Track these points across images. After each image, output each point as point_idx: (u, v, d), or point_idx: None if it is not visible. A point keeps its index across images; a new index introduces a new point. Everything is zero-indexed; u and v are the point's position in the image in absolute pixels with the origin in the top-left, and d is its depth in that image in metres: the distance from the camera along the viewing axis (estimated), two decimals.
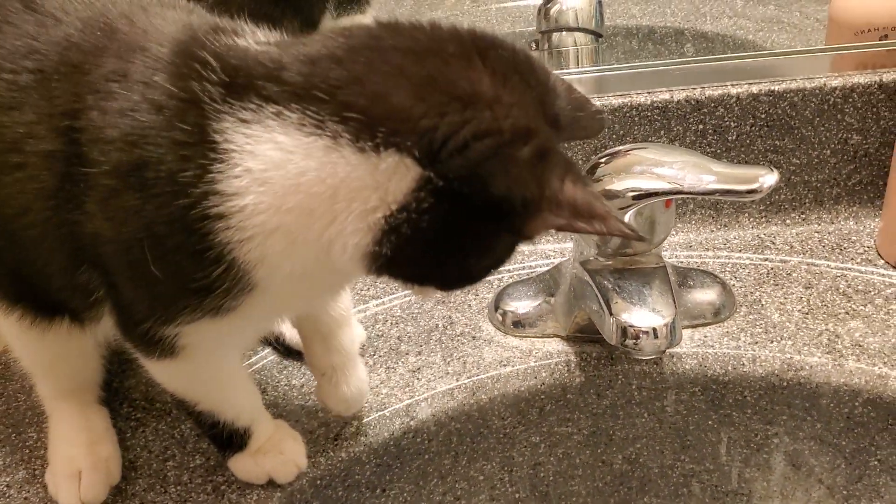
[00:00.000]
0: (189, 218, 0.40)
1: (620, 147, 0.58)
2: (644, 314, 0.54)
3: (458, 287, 0.46)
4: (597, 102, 0.71)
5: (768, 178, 0.48)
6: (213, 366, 0.52)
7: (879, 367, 0.62)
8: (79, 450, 0.58)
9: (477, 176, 0.37)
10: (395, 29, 0.40)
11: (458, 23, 0.41)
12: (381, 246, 0.39)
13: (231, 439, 0.57)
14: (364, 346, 0.68)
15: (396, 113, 0.37)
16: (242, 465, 0.58)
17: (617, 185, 0.55)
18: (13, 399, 0.67)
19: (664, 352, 0.55)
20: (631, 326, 0.54)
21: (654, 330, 0.54)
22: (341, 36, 0.40)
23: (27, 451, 0.63)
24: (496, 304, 0.70)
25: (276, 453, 0.58)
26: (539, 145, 0.38)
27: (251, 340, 0.59)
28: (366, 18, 0.75)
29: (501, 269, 0.44)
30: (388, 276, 0.42)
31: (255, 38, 0.43)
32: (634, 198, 0.54)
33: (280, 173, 0.38)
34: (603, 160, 0.58)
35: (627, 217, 0.56)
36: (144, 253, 0.41)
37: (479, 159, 0.37)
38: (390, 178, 0.37)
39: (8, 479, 0.60)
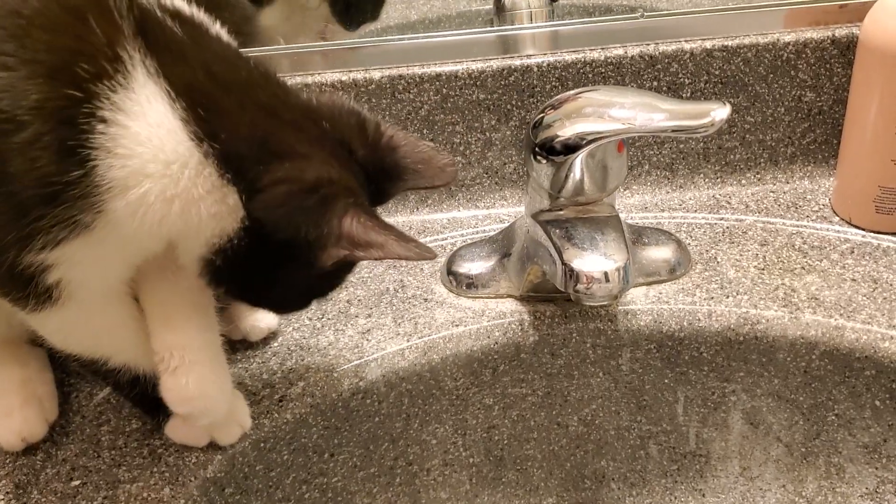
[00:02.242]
0: (70, 106, 0.40)
1: (570, 92, 0.56)
2: (596, 259, 0.53)
3: (284, 311, 0.55)
4: (550, 59, 0.70)
5: (720, 112, 0.47)
6: (100, 311, 0.50)
7: (836, 319, 0.61)
8: (11, 388, 0.56)
9: (268, 216, 0.44)
10: (263, 78, 0.47)
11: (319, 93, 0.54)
12: (214, 257, 0.45)
13: (158, 399, 0.54)
14: (275, 333, 0.64)
15: (240, 159, 0.44)
16: (180, 427, 0.55)
17: (568, 130, 0.53)
18: None
19: (616, 297, 0.53)
20: (582, 272, 0.52)
21: (606, 274, 0.52)
22: (228, 62, 0.46)
23: None
24: (448, 267, 0.68)
25: None
26: (326, 194, 0.45)
27: (118, 283, 0.52)
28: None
29: (330, 293, 0.51)
30: (222, 291, 0.49)
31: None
32: (586, 141, 0.52)
33: (170, 143, 0.42)
34: (552, 105, 0.56)
35: (578, 161, 0.54)
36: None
37: (271, 201, 0.44)
38: (230, 206, 0.44)
39: None
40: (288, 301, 0.51)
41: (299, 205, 0.44)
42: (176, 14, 0.46)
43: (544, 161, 0.55)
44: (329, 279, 0.50)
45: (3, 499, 0.53)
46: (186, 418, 0.53)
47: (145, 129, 0.41)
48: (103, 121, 0.40)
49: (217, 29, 0.48)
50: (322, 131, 0.47)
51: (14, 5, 0.41)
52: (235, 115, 0.44)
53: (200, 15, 0.48)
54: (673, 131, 0.49)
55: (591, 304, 0.59)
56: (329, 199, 0.45)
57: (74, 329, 0.50)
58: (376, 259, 0.46)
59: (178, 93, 0.42)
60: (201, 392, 0.51)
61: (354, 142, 0.49)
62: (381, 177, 0.50)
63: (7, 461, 0.56)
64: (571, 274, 0.53)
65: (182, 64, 0.43)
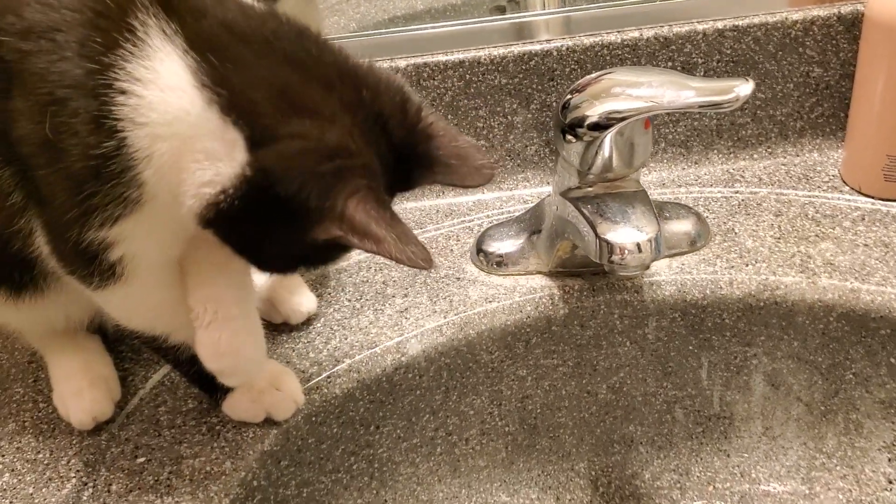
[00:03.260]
0: (95, 82, 0.42)
1: (593, 74, 0.59)
2: (628, 231, 0.56)
3: (266, 269, 0.51)
4: (569, 43, 0.73)
5: (744, 87, 0.50)
6: (160, 286, 0.51)
7: (851, 282, 0.64)
8: (77, 371, 0.59)
9: (278, 170, 0.43)
10: (295, 33, 0.46)
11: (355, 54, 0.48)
12: (217, 202, 0.44)
13: (215, 377, 0.56)
14: (316, 315, 0.66)
15: (251, 104, 0.43)
16: (238, 404, 0.58)
17: (597, 109, 0.56)
18: None
19: (648, 266, 0.56)
20: (616, 244, 0.55)
21: (639, 245, 0.55)
22: (253, 18, 0.45)
23: (14, 405, 0.62)
24: (478, 246, 0.71)
25: (274, 390, 0.58)
26: (342, 166, 0.43)
27: (174, 256, 0.53)
28: None
29: (318, 267, 0.50)
30: (216, 234, 0.46)
31: None
32: (616, 119, 0.55)
33: (176, 99, 0.43)
34: (577, 89, 0.59)
35: (607, 138, 0.57)
36: (51, 125, 0.42)
37: (284, 156, 0.43)
38: (231, 151, 0.43)
39: None
40: (273, 261, 0.49)
41: (312, 167, 0.43)
42: None
43: (574, 140, 0.58)
44: (320, 253, 0.49)
45: (74, 476, 0.56)
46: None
47: (157, 95, 0.42)
48: (122, 92, 0.42)
49: None
50: (358, 98, 0.46)
51: None
52: (251, 63, 0.44)
53: None
54: (700, 107, 0.52)
55: (625, 273, 0.63)
56: (343, 172, 0.43)
57: (136, 305, 0.52)
58: (368, 252, 0.43)
59: (192, 46, 0.43)
60: (234, 348, 0.52)
61: (392, 119, 0.47)
62: (411, 162, 0.49)
63: (73, 442, 0.58)
64: (606, 246, 0.56)
65: (201, 21, 0.44)
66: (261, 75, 0.44)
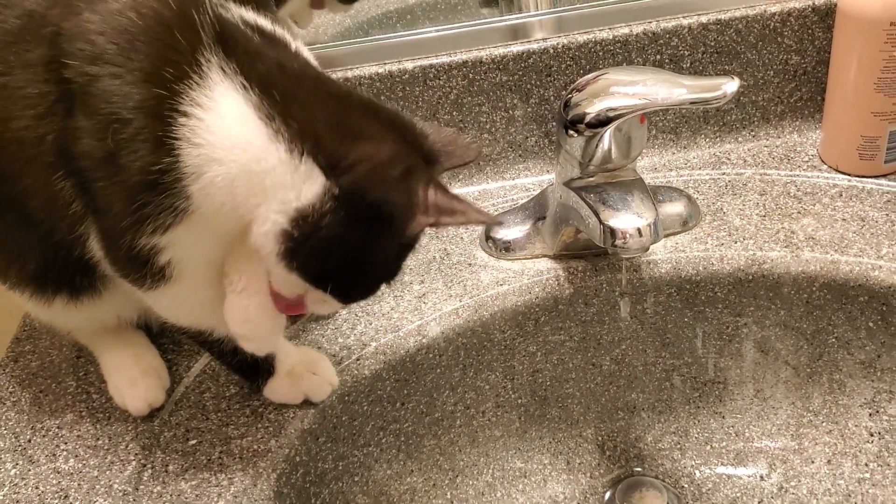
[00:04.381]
0: (160, 104, 0.47)
1: (588, 76, 0.64)
2: (629, 217, 0.61)
3: (355, 297, 0.56)
4: (564, 41, 0.78)
5: (731, 85, 0.55)
6: (206, 286, 0.56)
7: (831, 255, 0.70)
8: (129, 362, 0.65)
9: (361, 187, 0.49)
10: (334, 81, 0.54)
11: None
12: (292, 229, 0.49)
13: (257, 364, 0.62)
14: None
15: (317, 136, 0.49)
16: (278, 388, 0.63)
17: (597, 107, 0.62)
18: (46, 355, 0.72)
19: (647, 249, 0.62)
20: (619, 229, 0.61)
21: (639, 230, 0.61)
22: (298, 59, 0.53)
23: (69, 397, 0.67)
24: (486, 234, 0.76)
25: (310, 375, 0.63)
26: (406, 167, 0.50)
27: (219, 260, 0.57)
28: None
29: (395, 277, 0.54)
30: (296, 267, 0.51)
31: (240, 16, 0.52)
32: (615, 116, 0.60)
33: (237, 128, 0.48)
34: (577, 88, 0.64)
35: (606, 135, 0.63)
36: (113, 142, 0.47)
37: (362, 174, 0.49)
38: (304, 181, 0.49)
39: (58, 422, 0.65)
40: (359, 283, 0.54)
41: (384, 177, 0.49)
42: (256, 27, 0.53)
43: (576, 135, 0.64)
44: (396, 259, 0.54)
45: (133, 459, 0.61)
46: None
47: (217, 120, 0.47)
48: (185, 115, 0.47)
49: (296, 44, 0.55)
50: (388, 119, 0.53)
51: (125, 24, 0.48)
52: (308, 99, 0.50)
53: (279, 30, 0.55)
54: (691, 104, 0.57)
55: (626, 255, 0.68)
56: (410, 171, 0.50)
57: (184, 304, 0.57)
58: (457, 225, 0.50)
59: (252, 83, 0.49)
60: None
61: (408, 130, 0.54)
62: (428, 162, 0.54)
63: (129, 429, 0.64)
64: (610, 232, 0.61)
65: (258, 63, 0.50)
66: (317, 108, 0.50)
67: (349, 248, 0.51)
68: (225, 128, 0.48)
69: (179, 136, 0.47)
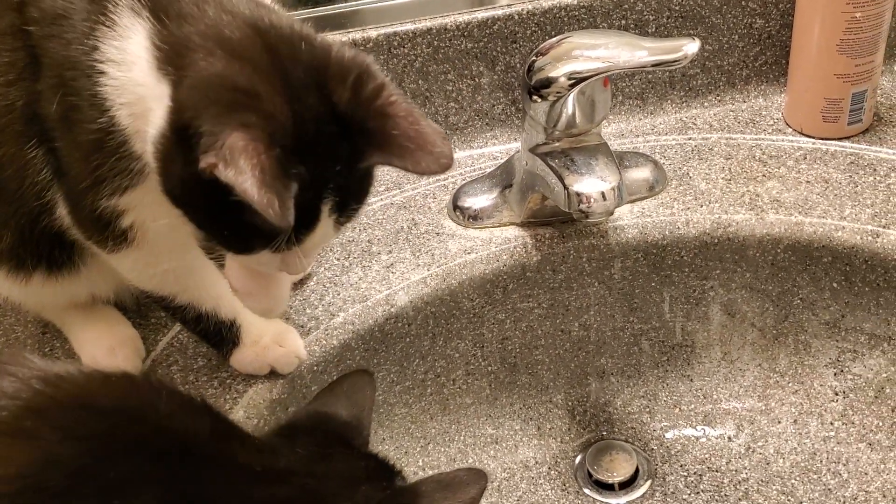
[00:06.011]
0: (84, 63, 0.46)
1: (553, 39, 0.64)
2: (593, 182, 0.62)
3: (231, 245, 0.50)
4: (529, 7, 0.77)
5: (691, 46, 0.55)
6: (170, 251, 0.56)
7: (795, 216, 0.71)
8: (104, 334, 0.64)
9: (184, 99, 0.44)
10: (255, 4, 0.47)
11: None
12: (155, 150, 0.46)
13: (221, 333, 0.62)
14: (310, 275, 0.70)
15: (185, 52, 0.45)
16: (244, 358, 0.63)
17: (560, 71, 0.62)
18: (11, 332, 0.71)
19: (611, 212, 0.62)
20: (583, 193, 0.61)
21: (603, 193, 0.61)
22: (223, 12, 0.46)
23: None
24: (454, 203, 0.76)
25: (277, 346, 0.63)
26: (243, 102, 0.43)
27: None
28: None
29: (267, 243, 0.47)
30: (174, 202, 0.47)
31: None
32: (578, 80, 0.60)
33: (138, 70, 0.46)
34: (540, 52, 0.64)
35: (570, 97, 0.63)
36: (63, 102, 0.47)
37: (191, 85, 0.44)
38: (160, 99, 0.45)
39: None
40: (213, 221, 0.48)
41: (213, 96, 0.43)
42: None
43: (540, 100, 0.64)
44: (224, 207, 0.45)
45: None
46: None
47: (125, 73, 0.46)
48: (102, 73, 0.46)
49: None
50: (294, 63, 0.45)
51: None
52: (197, 18, 0.45)
53: None
54: (653, 66, 0.57)
55: (592, 220, 0.68)
56: (240, 107, 0.42)
57: (147, 267, 0.57)
58: (234, 187, 0.41)
59: (151, 11, 0.46)
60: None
61: (339, 92, 0.46)
62: (360, 137, 0.47)
63: None
64: (575, 196, 0.61)
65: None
66: (201, 29, 0.45)
67: (183, 174, 0.45)
68: (132, 72, 0.46)
69: (106, 95, 0.47)
